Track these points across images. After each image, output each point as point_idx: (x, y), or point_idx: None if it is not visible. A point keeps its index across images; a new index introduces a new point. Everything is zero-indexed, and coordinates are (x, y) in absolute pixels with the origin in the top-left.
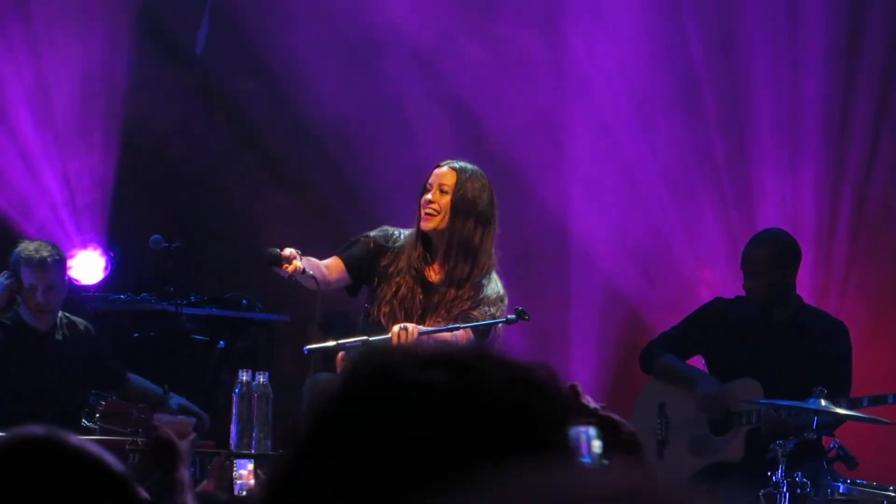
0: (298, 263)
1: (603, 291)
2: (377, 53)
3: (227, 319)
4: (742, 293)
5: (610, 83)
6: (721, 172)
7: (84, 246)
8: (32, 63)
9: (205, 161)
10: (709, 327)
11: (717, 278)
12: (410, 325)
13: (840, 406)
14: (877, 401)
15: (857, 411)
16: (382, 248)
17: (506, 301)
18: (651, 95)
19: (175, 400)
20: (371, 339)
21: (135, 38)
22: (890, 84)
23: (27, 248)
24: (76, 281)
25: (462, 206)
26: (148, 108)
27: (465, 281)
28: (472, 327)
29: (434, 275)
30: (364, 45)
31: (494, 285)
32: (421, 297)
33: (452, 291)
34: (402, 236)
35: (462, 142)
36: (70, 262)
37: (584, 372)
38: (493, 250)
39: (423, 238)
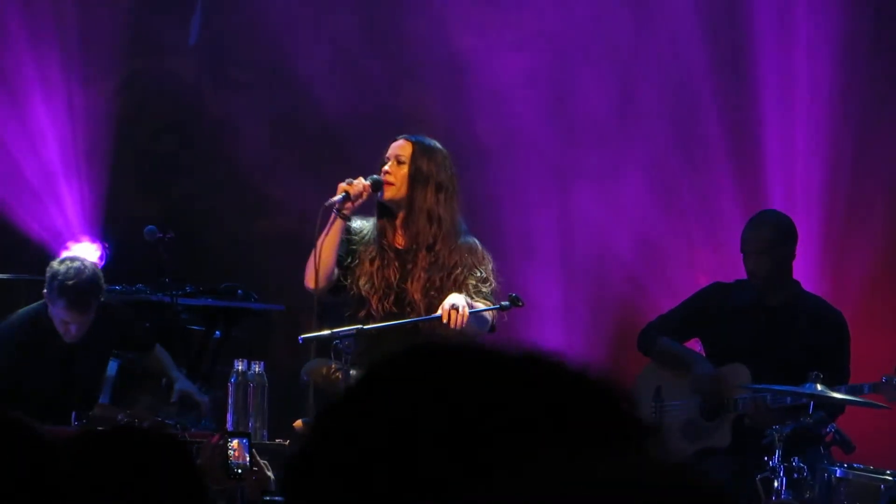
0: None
1: (594, 276)
2: (368, 45)
3: (223, 309)
4: (740, 277)
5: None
6: (713, 153)
7: (80, 237)
8: (23, 53)
9: (198, 151)
10: (706, 311)
11: (710, 262)
12: (461, 305)
13: (838, 393)
14: (877, 388)
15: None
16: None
17: (491, 262)
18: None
19: (180, 384)
20: (364, 327)
21: (128, 29)
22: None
23: (67, 276)
24: None
25: (419, 175)
26: (142, 98)
27: (434, 244)
28: (475, 313)
29: (400, 240)
30: (355, 35)
31: (474, 244)
32: (396, 263)
33: (424, 254)
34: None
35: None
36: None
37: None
38: (459, 218)
39: (383, 208)
